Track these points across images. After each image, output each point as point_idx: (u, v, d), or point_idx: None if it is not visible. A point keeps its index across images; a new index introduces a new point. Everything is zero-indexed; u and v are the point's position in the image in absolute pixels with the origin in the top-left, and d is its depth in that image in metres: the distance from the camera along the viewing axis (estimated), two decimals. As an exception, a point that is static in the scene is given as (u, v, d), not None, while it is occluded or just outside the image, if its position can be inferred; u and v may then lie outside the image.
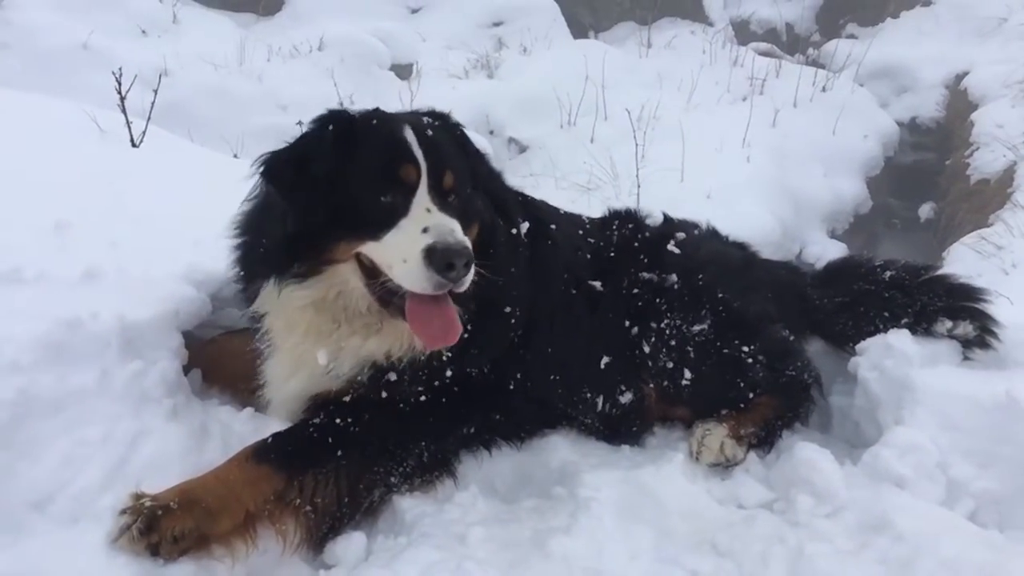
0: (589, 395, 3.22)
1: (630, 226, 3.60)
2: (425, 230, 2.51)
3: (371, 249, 2.61)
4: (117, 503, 2.39)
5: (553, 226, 3.31)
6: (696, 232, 3.72)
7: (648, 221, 3.67)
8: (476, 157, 2.98)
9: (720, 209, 9.96)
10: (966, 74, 14.43)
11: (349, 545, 2.57)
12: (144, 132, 4.84)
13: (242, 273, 2.98)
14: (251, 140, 10.05)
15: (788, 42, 18.51)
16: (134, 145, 4.76)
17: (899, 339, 3.27)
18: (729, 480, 3.00)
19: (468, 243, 2.53)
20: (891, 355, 3.23)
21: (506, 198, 3.14)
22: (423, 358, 2.82)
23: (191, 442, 2.72)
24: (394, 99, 12.31)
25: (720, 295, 3.30)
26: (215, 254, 3.35)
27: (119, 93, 5.05)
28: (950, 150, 13.29)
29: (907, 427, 2.99)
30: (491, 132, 12.29)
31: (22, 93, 5.30)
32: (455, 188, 2.71)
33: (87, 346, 2.68)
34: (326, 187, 2.61)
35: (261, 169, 2.78)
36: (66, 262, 2.99)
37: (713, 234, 3.84)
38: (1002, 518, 2.80)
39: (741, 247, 3.85)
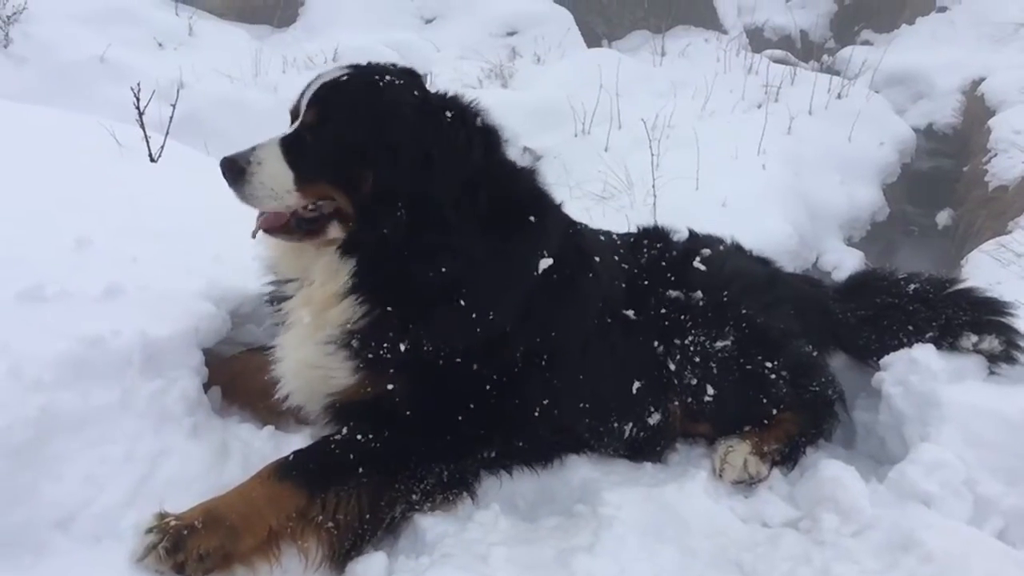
0: (618, 423, 3.19)
1: (659, 245, 3.56)
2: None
3: None
4: (141, 522, 2.39)
5: (597, 258, 3.26)
6: (721, 248, 3.68)
7: (675, 237, 3.65)
8: (415, 122, 2.85)
9: (735, 217, 9.91)
10: (983, 80, 14.36)
11: (370, 566, 2.55)
12: (162, 147, 4.86)
13: None
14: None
15: (803, 49, 18.47)
16: (152, 160, 4.78)
17: (924, 354, 3.23)
18: (753, 498, 2.96)
19: (242, 155, 2.80)
20: (916, 370, 3.19)
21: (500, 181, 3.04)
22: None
23: (212, 460, 2.72)
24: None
25: (744, 311, 3.27)
26: (235, 270, 3.37)
27: (137, 108, 5.07)
28: (967, 156, 13.22)
29: (933, 444, 2.96)
30: (506, 141, 12.29)
31: (41, 107, 5.33)
32: (313, 126, 2.85)
33: (109, 364, 2.68)
34: None
35: None
36: (87, 279, 2.99)
37: (738, 249, 3.81)
38: (1031, 536, 2.76)
39: (765, 262, 3.82)
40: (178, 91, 6.12)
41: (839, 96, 13.45)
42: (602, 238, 3.53)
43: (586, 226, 3.47)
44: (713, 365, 3.18)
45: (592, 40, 17.56)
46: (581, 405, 3.12)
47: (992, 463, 2.90)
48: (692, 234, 3.71)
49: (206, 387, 3.02)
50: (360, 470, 2.65)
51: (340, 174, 2.81)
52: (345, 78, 2.91)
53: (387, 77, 2.93)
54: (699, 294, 3.29)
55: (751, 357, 3.21)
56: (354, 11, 15.96)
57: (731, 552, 2.67)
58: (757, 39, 18.70)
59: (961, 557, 2.49)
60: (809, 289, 3.80)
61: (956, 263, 9.85)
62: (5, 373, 2.43)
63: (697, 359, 3.18)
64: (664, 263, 3.45)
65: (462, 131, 2.90)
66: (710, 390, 3.17)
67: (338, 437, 2.74)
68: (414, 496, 2.76)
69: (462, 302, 2.82)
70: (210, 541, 2.36)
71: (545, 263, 2.99)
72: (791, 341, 3.32)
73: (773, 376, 3.21)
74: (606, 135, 11.76)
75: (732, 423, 3.22)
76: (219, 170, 2.79)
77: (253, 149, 2.81)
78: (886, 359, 3.35)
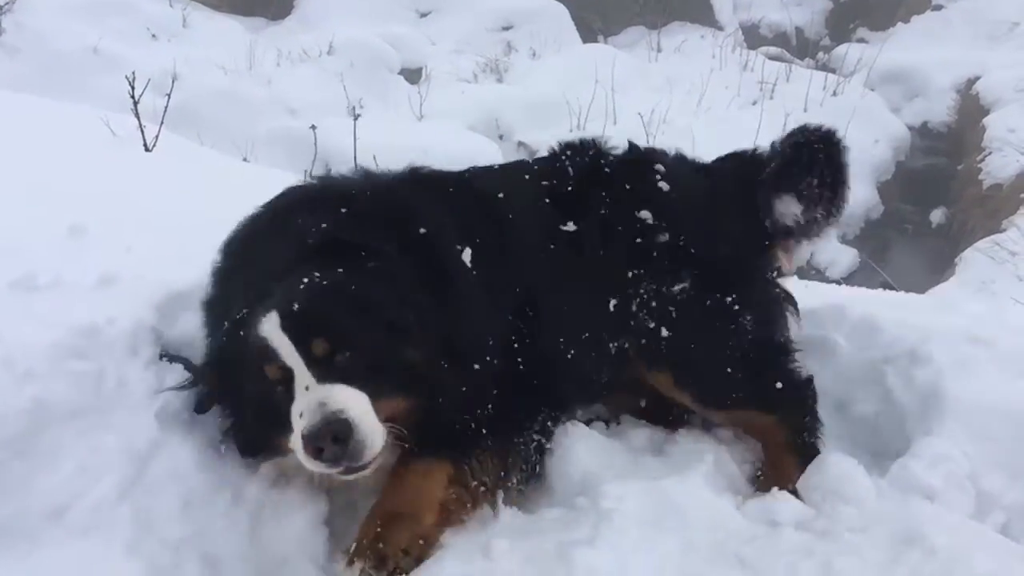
0: (601, 343, 3.16)
1: (591, 152, 3.40)
2: (300, 415, 2.39)
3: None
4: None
5: (500, 195, 3.21)
6: (669, 161, 3.54)
7: (610, 149, 3.47)
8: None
9: (731, 214, 9.93)
10: (978, 79, 14.41)
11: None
12: (157, 137, 4.82)
13: None
14: (261, 144, 10.06)
15: (798, 46, 18.50)
16: (147, 150, 4.74)
17: (928, 348, 3.21)
18: (754, 489, 2.94)
19: (347, 409, 2.35)
20: (920, 365, 3.17)
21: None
22: None
23: (207, 453, 2.68)
24: (404, 103, 12.32)
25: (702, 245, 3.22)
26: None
27: (132, 97, 5.03)
28: (962, 155, 13.25)
29: (936, 438, 2.94)
30: (500, 136, 12.28)
31: (35, 98, 5.29)
32: (334, 349, 2.50)
33: (103, 353, 2.64)
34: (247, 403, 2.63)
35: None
36: (81, 268, 2.95)
37: (682, 160, 3.67)
38: (1034, 531, 2.75)
39: (706, 171, 3.69)
40: (173, 81, 6.06)
41: (834, 93, 13.49)
42: (495, 176, 3.42)
43: (471, 173, 3.36)
44: (670, 305, 3.13)
45: (588, 35, 17.55)
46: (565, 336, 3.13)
47: (995, 458, 2.88)
48: (633, 146, 3.54)
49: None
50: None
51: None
52: (306, 297, 2.58)
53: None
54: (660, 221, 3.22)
55: (710, 294, 3.15)
56: (349, 3, 15.92)
57: (732, 545, 2.64)
58: (753, 36, 18.72)
59: (965, 551, 2.47)
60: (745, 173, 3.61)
61: (950, 261, 9.88)
62: (-3, 363, 2.39)
63: (654, 301, 3.13)
64: (608, 172, 3.33)
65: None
66: (664, 332, 3.11)
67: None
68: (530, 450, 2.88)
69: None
70: (402, 534, 2.45)
71: (467, 256, 2.96)
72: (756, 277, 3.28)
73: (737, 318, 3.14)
74: (601, 130, 11.74)
75: (694, 373, 3.16)
76: (321, 447, 2.34)
77: (324, 403, 2.37)
78: (888, 352, 3.32)
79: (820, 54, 17.66)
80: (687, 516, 2.75)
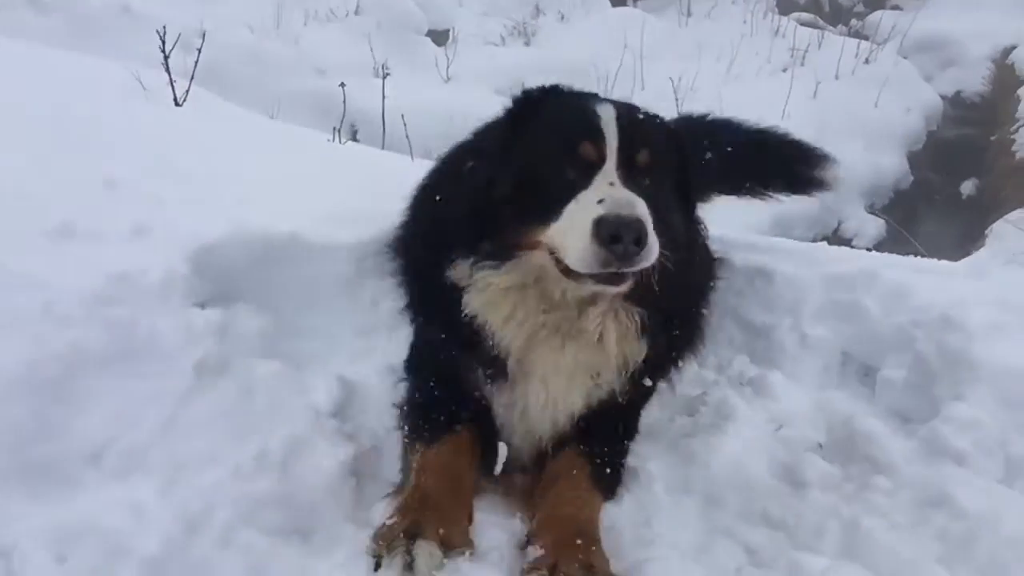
0: None
1: None
2: (600, 201, 2.29)
3: (554, 233, 2.39)
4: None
5: None
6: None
7: None
8: (691, 165, 2.80)
9: (758, 181, 9.84)
10: (1014, 48, 14.11)
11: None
12: (187, 91, 4.82)
13: (419, 255, 2.81)
14: (287, 104, 10.04)
15: (831, 13, 18.19)
16: (177, 104, 4.75)
17: (959, 313, 3.19)
18: (784, 451, 2.94)
19: (645, 218, 2.25)
20: (951, 330, 3.15)
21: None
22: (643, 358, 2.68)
23: (239, 397, 2.70)
24: (431, 65, 12.26)
25: None
26: (261, 211, 3.35)
27: (163, 51, 5.03)
28: (995, 126, 13.02)
29: (966, 403, 2.93)
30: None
31: (67, 52, 5.30)
32: (650, 169, 2.50)
33: (136, 302, 2.67)
34: (513, 164, 2.51)
35: (438, 169, 2.86)
36: (115, 218, 2.97)
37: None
38: (1061, 497, 2.73)
39: None
40: (203, 36, 6.05)
41: (866, 61, 13.28)
42: None
43: None
44: None
45: (617, -1, 17.32)
46: None
47: (1024, 423, 2.87)
48: None
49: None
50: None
51: (668, 217, 2.55)
52: (635, 111, 2.62)
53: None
54: None
55: None
56: (377, -37, 15.78)
57: (758, 504, 2.66)
58: (785, 1, 18.39)
59: (993, 514, 2.47)
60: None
61: (980, 233, 9.75)
62: (37, 308, 2.44)
63: None
64: None
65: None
66: None
67: None
68: None
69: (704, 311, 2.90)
70: (601, 557, 2.34)
71: None
72: None
73: None
74: (629, 97, 11.65)
75: None
76: (620, 235, 2.22)
77: (631, 203, 2.31)
78: (918, 317, 3.30)
79: (853, 21, 17.35)
80: (714, 475, 2.78)
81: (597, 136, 2.45)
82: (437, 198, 2.80)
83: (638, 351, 2.64)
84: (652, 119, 2.70)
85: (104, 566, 2.09)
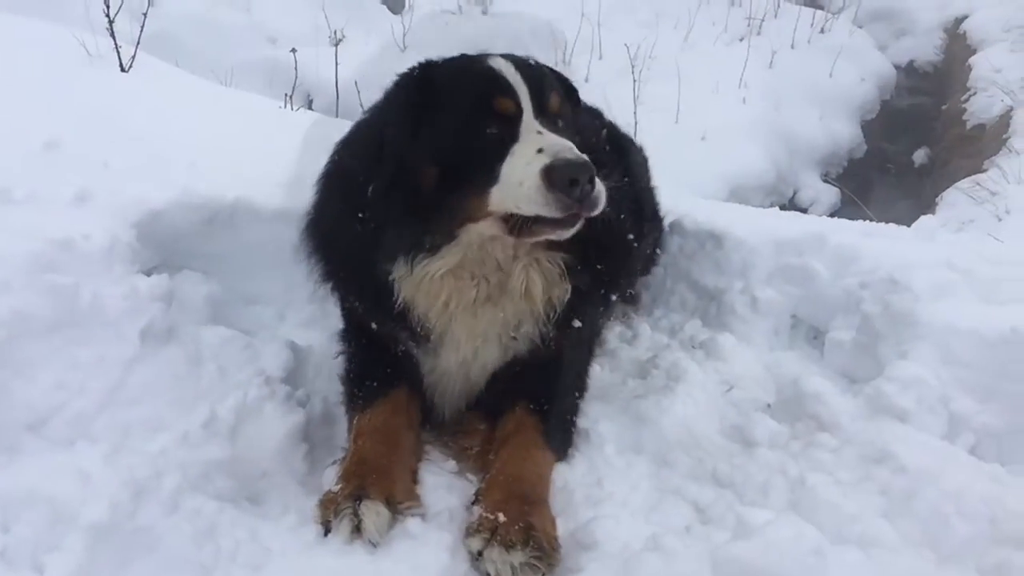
0: None
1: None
2: (540, 151, 2.34)
3: (496, 193, 2.39)
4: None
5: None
6: None
7: None
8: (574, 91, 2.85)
9: (714, 151, 9.88)
10: (965, 18, 14.27)
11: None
12: (133, 57, 4.71)
13: (346, 254, 2.73)
14: (240, 73, 9.87)
15: (787, -18, 18.18)
16: (123, 70, 4.64)
17: (906, 275, 3.23)
18: (733, 412, 2.98)
19: (587, 158, 2.32)
20: (897, 291, 3.20)
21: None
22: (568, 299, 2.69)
23: (186, 365, 2.68)
24: (387, 34, 12.11)
25: None
26: (209, 177, 3.30)
27: (107, 16, 4.90)
28: (947, 95, 13.17)
29: (910, 361, 2.98)
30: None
31: (9, 16, 5.14)
32: (560, 111, 2.56)
33: (79, 267, 2.62)
34: (432, 143, 2.47)
35: (344, 152, 2.72)
36: (57, 183, 2.92)
37: None
38: (1002, 452, 2.80)
39: None
40: (148, 3, 5.92)
41: (822, 31, 13.35)
42: None
43: None
44: None
45: (574, -33, 17.20)
46: None
47: (967, 381, 2.93)
48: None
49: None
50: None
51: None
52: (524, 60, 2.63)
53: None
54: None
55: None
56: (330, -71, 15.49)
57: (708, 464, 2.70)
58: (741, -29, 18.37)
59: (934, 469, 2.52)
60: None
61: (932, 200, 9.89)
62: (-26, 274, 2.38)
63: None
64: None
65: None
66: None
67: None
68: None
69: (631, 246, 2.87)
70: (548, 521, 2.35)
71: None
72: None
73: None
74: (587, 66, 11.60)
75: None
76: (577, 178, 2.27)
77: (571, 147, 2.36)
78: (865, 279, 3.35)
79: (809, -10, 17.43)
80: (664, 436, 2.81)
81: (508, 90, 2.47)
82: (357, 193, 2.60)
83: (563, 292, 2.66)
84: (541, 66, 2.71)
85: (49, 533, 2.07)
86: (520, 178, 2.33)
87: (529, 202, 2.31)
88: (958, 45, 13.94)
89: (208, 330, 2.85)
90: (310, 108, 8.93)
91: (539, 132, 2.41)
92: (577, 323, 2.72)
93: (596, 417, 2.83)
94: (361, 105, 6.43)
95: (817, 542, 2.13)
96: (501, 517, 2.26)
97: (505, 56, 2.60)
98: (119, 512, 2.15)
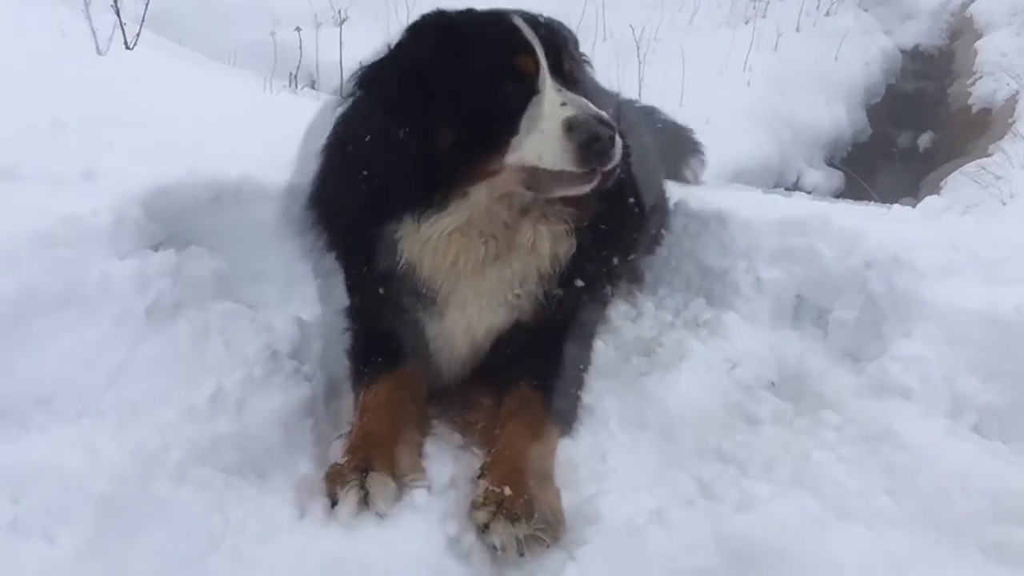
0: None
1: None
2: (563, 104, 2.37)
3: (515, 144, 2.41)
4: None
5: None
6: None
7: None
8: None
9: (718, 134, 9.79)
10: (972, 1, 14.20)
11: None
12: (138, 35, 4.72)
13: (352, 219, 2.71)
14: (244, 53, 9.84)
15: (792, -35, 18.08)
16: (128, 48, 4.64)
17: (910, 254, 3.24)
18: (737, 390, 2.99)
19: (608, 116, 2.36)
20: (901, 270, 3.20)
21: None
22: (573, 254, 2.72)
23: (193, 341, 2.69)
24: (392, 14, 12.06)
25: None
26: (215, 155, 3.31)
27: (111, -6, 4.91)
28: (952, 78, 13.12)
29: (914, 340, 2.98)
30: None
31: (9, -3, 5.14)
32: (574, 73, 2.59)
33: (87, 243, 2.61)
34: (445, 94, 2.46)
35: (365, 87, 2.63)
36: (63, 160, 2.91)
37: None
38: (1005, 431, 2.80)
39: None
40: (154, -20, 5.91)
41: (827, 14, 13.30)
42: None
43: None
44: None
45: (579, -51, 17.10)
46: None
47: (970, 360, 2.93)
48: None
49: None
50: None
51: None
52: (537, 18, 2.65)
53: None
54: None
55: None
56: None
57: (712, 440, 2.72)
58: (746, -46, 18.26)
59: (937, 447, 2.54)
60: None
61: (936, 185, 9.87)
62: (-19, 249, 2.38)
63: None
64: None
65: None
66: None
67: None
68: None
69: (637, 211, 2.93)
70: (553, 494, 2.39)
71: None
72: None
73: None
74: (591, 47, 11.56)
75: None
76: (599, 134, 2.32)
77: (591, 104, 2.41)
78: (870, 258, 3.35)
79: (815, -26, 17.33)
80: (668, 412, 2.83)
81: (528, 48, 2.49)
82: (364, 154, 2.61)
83: (569, 248, 2.69)
84: (552, 23, 2.71)
85: (58, 504, 2.08)
86: (542, 126, 2.36)
87: (550, 149, 2.34)
88: (965, 29, 13.88)
89: (215, 305, 2.86)
90: (314, 88, 8.92)
91: (558, 89, 2.44)
92: (580, 282, 2.74)
93: (600, 393, 2.85)
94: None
95: (819, 516, 2.16)
96: (507, 491, 2.28)
97: (518, 12, 2.61)
98: (127, 483, 2.17)
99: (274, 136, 3.76)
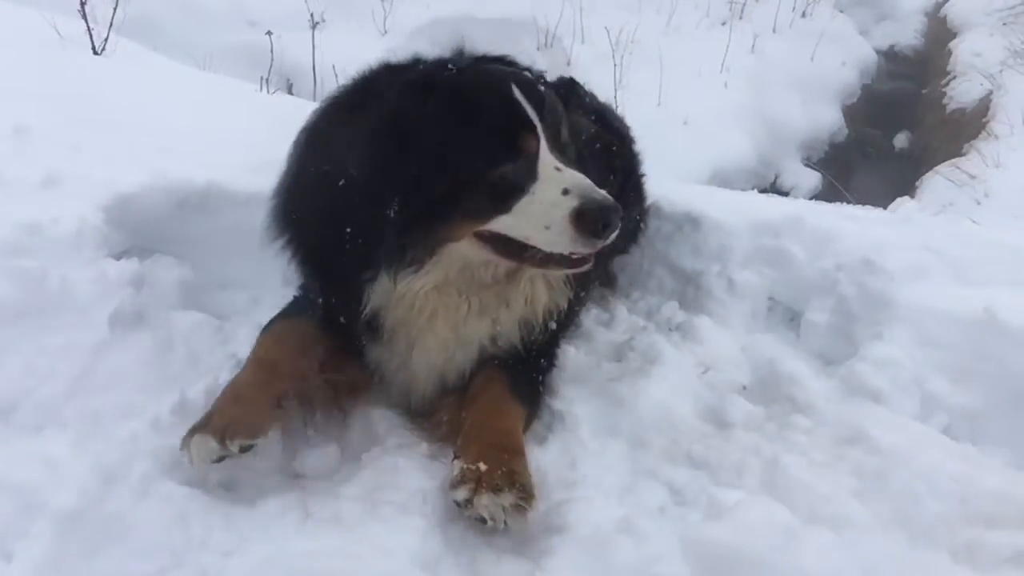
0: None
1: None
2: (566, 191, 2.31)
3: (501, 223, 2.36)
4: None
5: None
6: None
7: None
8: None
9: (696, 135, 9.90)
10: (946, 1, 14.34)
11: (323, 456, 2.53)
12: (106, 40, 4.66)
13: (326, 272, 2.64)
14: (220, 57, 9.79)
15: (769, -34, 18.17)
16: (96, 53, 4.59)
17: (881, 256, 3.24)
18: (707, 393, 2.97)
19: (613, 200, 2.31)
20: (872, 272, 3.20)
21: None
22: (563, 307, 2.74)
23: (156, 351, 2.66)
24: (367, 18, 12.05)
25: None
26: (182, 161, 3.27)
27: (80, -1, 4.85)
28: (927, 79, 13.25)
29: (884, 342, 2.99)
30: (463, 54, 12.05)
31: (-24, -3, 5.09)
32: (571, 141, 2.55)
33: (47, 252, 2.61)
34: (435, 163, 2.35)
35: (353, 133, 2.50)
36: (25, 166, 2.89)
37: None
38: (975, 432, 2.81)
39: None
40: (123, -15, 5.85)
41: (804, 15, 13.39)
42: None
43: None
44: None
45: (556, -49, 17.11)
46: None
47: (941, 362, 2.94)
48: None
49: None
50: None
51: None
52: (533, 85, 2.52)
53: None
54: None
55: None
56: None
57: (683, 445, 2.70)
58: (724, -45, 18.34)
59: (907, 449, 2.54)
60: None
61: (912, 185, 9.94)
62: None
63: None
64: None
65: None
66: None
67: None
68: None
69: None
70: (525, 468, 2.39)
71: None
72: None
73: None
74: (569, 49, 11.57)
75: None
76: (611, 222, 2.28)
77: (595, 187, 2.34)
78: (840, 260, 3.35)
79: (791, -25, 17.42)
80: (639, 418, 2.80)
81: (528, 126, 2.40)
82: (341, 199, 2.47)
83: (565, 299, 2.71)
84: (546, 89, 2.60)
85: (17, 521, 2.05)
86: (547, 221, 2.31)
87: (555, 244, 2.32)
88: (939, 29, 14.02)
89: (179, 314, 2.83)
90: (290, 92, 8.87)
91: (557, 168, 2.37)
92: (554, 325, 2.75)
93: (571, 399, 2.82)
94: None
95: (788, 522, 2.15)
96: (483, 466, 2.29)
97: (512, 74, 2.50)
98: (88, 499, 2.13)
99: (244, 140, 3.74)
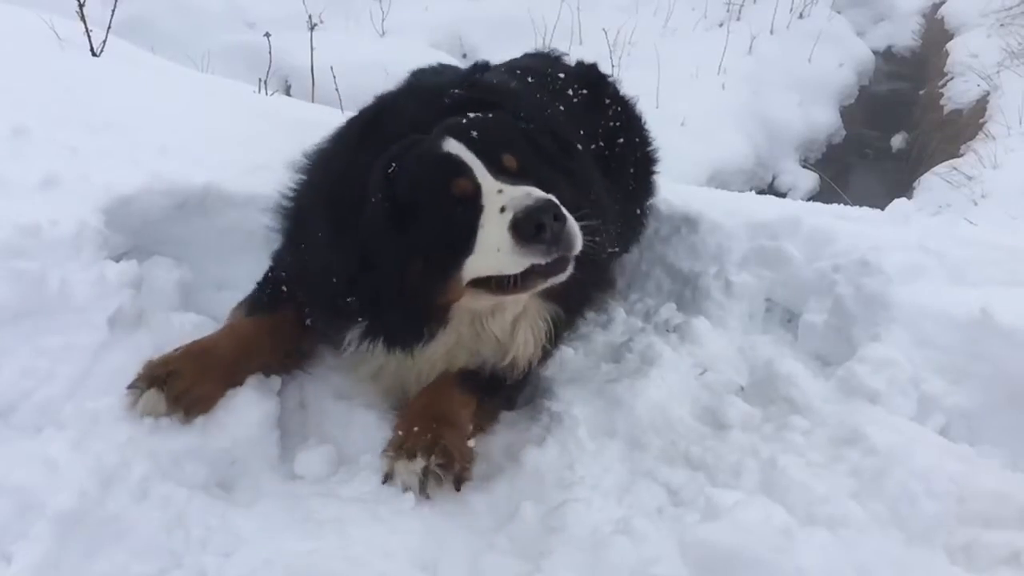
0: None
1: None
2: (503, 209, 2.32)
3: (472, 265, 2.40)
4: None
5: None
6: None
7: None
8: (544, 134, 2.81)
9: (694, 136, 9.91)
10: (943, 2, 14.36)
11: (319, 457, 2.54)
12: (104, 41, 4.66)
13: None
14: (218, 58, 9.80)
15: (766, -33, 18.20)
16: (94, 54, 4.58)
17: (878, 257, 3.25)
18: (706, 395, 2.98)
19: (550, 196, 2.31)
20: (869, 273, 3.21)
21: None
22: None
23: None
24: (365, 18, 12.06)
25: None
26: (181, 162, 3.27)
27: (78, 0, 4.84)
28: (925, 80, 13.26)
29: (882, 343, 2.99)
30: (464, 55, 12.07)
31: (-26, -1, 5.08)
32: (521, 165, 2.53)
33: (46, 253, 2.60)
34: (417, 234, 2.45)
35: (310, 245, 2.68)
36: (23, 168, 2.88)
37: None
38: (972, 433, 2.82)
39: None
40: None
41: (801, 16, 13.41)
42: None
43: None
44: None
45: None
46: None
47: (938, 362, 2.94)
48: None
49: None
50: None
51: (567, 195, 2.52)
52: (473, 124, 2.58)
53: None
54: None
55: None
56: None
57: (680, 446, 2.71)
58: (721, -43, 18.36)
59: (904, 450, 2.54)
60: None
61: (909, 186, 9.96)
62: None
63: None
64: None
65: None
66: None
67: None
68: None
69: None
70: (461, 439, 2.49)
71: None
72: None
73: None
74: (567, 50, 11.56)
75: None
76: (543, 222, 2.26)
77: (528, 193, 2.34)
78: (838, 261, 3.36)
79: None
80: (637, 419, 2.80)
81: (462, 170, 2.44)
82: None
83: (551, 346, 2.82)
84: (495, 118, 2.67)
85: (16, 522, 2.06)
86: (496, 243, 2.32)
87: (510, 264, 2.32)
88: (936, 30, 14.04)
89: (178, 316, 2.83)
90: (288, 93, 8.87)
91: (499, 191, 2.39)
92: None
93: (570, 400, 2.83)
94: (337, 90, 6.41)
95: (786, 523, 2.16)
96: (408, 434, 2.39)
97: (454, 131, 2.53)
98: (87, 500, 2.13)
99: (242, 142, 3.74)
